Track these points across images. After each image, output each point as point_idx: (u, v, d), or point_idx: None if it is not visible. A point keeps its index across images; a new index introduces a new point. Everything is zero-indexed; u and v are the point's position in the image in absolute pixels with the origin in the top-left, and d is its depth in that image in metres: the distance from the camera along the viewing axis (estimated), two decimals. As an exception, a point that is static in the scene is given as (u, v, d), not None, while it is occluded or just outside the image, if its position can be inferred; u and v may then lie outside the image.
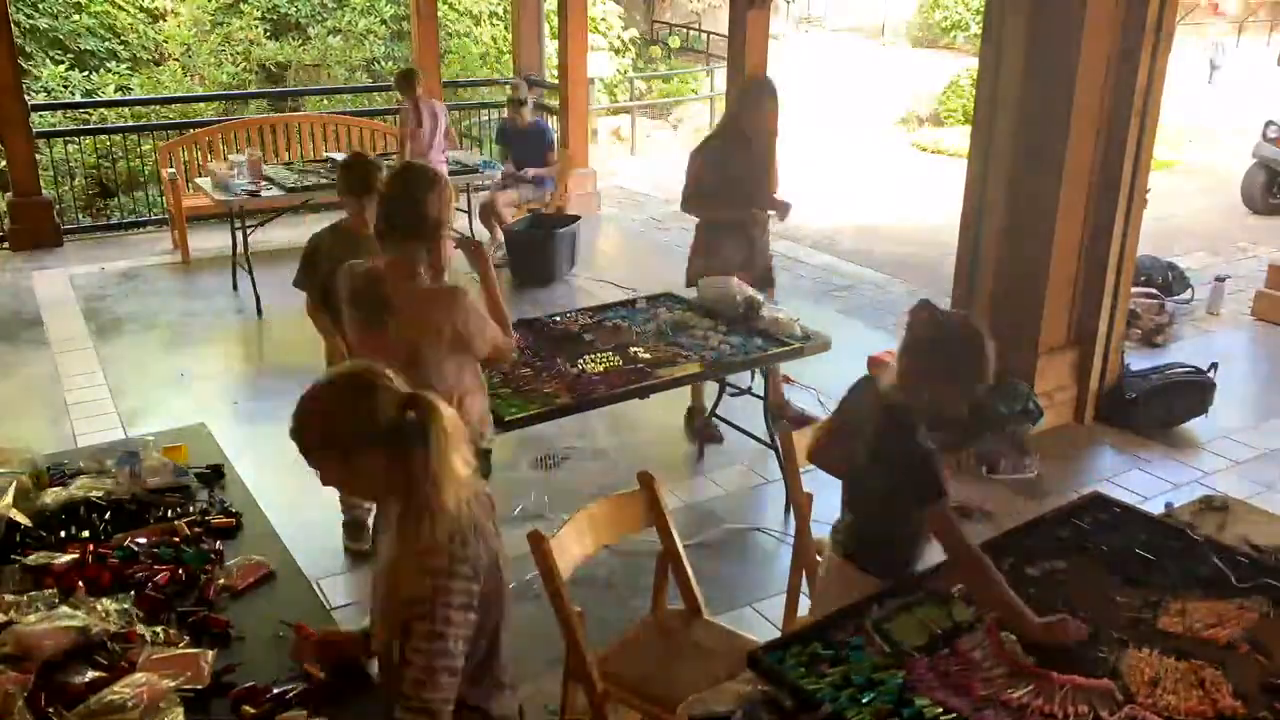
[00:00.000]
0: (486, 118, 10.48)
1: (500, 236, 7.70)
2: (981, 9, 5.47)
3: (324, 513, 4.32)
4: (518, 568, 2.73)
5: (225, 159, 7.54)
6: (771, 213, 4.94)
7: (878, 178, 11.89)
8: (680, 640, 2.89)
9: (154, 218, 9.12)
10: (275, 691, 2.04)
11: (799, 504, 3.16)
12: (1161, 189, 6.59)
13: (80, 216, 9.45)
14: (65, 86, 12.06)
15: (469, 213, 8.06)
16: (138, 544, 2.52)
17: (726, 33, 7.21)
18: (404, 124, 7.62)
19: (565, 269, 7.51)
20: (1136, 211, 5.11)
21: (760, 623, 3.67)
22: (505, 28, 14.00)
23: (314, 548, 3.84)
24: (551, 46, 11.07)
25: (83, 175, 10.13)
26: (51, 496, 2.70)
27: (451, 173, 7.55)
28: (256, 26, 13.54)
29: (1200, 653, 2.17)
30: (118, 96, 12.12)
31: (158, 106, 10.95)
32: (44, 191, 8.43)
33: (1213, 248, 8.75)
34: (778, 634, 3.36)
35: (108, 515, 2.67)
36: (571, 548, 2.73)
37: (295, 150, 9.16)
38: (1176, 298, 7.00)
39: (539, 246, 7.45)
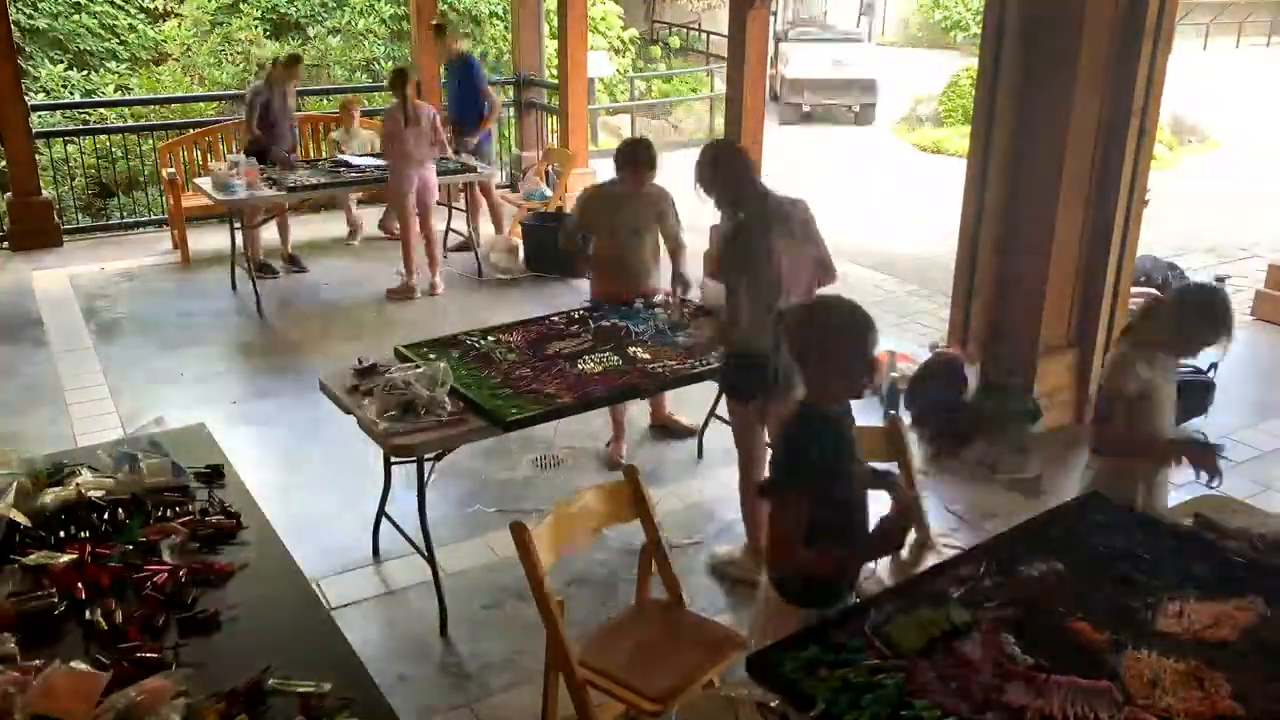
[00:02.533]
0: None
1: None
2: (981, 9, 5.47)
3: (323, 513, 4.34)
4: (513, 566, 2.74)
5: (225, 159, 7.54)
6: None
7: (877, 178, 11.88)
8: (661, 630, 2.92)
9: (154, 218, 9.12)
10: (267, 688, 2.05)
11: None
12: (1161, 189, 6.59)
13: (80, 216, 9.45)
14: (65, 86, 12.05)
15: (467, 212, 8.05)
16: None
17: (726, 33, 7.21)
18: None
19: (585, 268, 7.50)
20: (1136, 211, 5.11)
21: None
22: (505, 28, 13.99)
23: (314, 548, 3.84)
24: (552, 46, 11.07)
25: (83, 175, 10.13)
26: (51, 496, 2.70)
27: (450, 172, 7.58)
28: (256, 26, 13.54)
29: (1199, 653, 2.17)
30: (117, 96, 12.11)
31: (158, 106, 10.93)
32: (44, 191, 8.43)
33: (1213, 248, 8.75)
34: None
35: (107, 515, 2.67)
36: (556, 539, 2.76)
37: (296, 151, 9.13)
38: (1176, 298, 6.99)
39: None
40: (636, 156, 4.57)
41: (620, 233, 4.66)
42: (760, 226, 3.62)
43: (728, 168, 3.72)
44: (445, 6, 14.11)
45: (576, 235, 4.83)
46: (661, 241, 4.76)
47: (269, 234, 7.65)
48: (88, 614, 2.27)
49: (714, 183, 3.72)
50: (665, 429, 5.18)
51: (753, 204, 3.68)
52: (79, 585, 2.35)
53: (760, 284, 3.57)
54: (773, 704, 2.10)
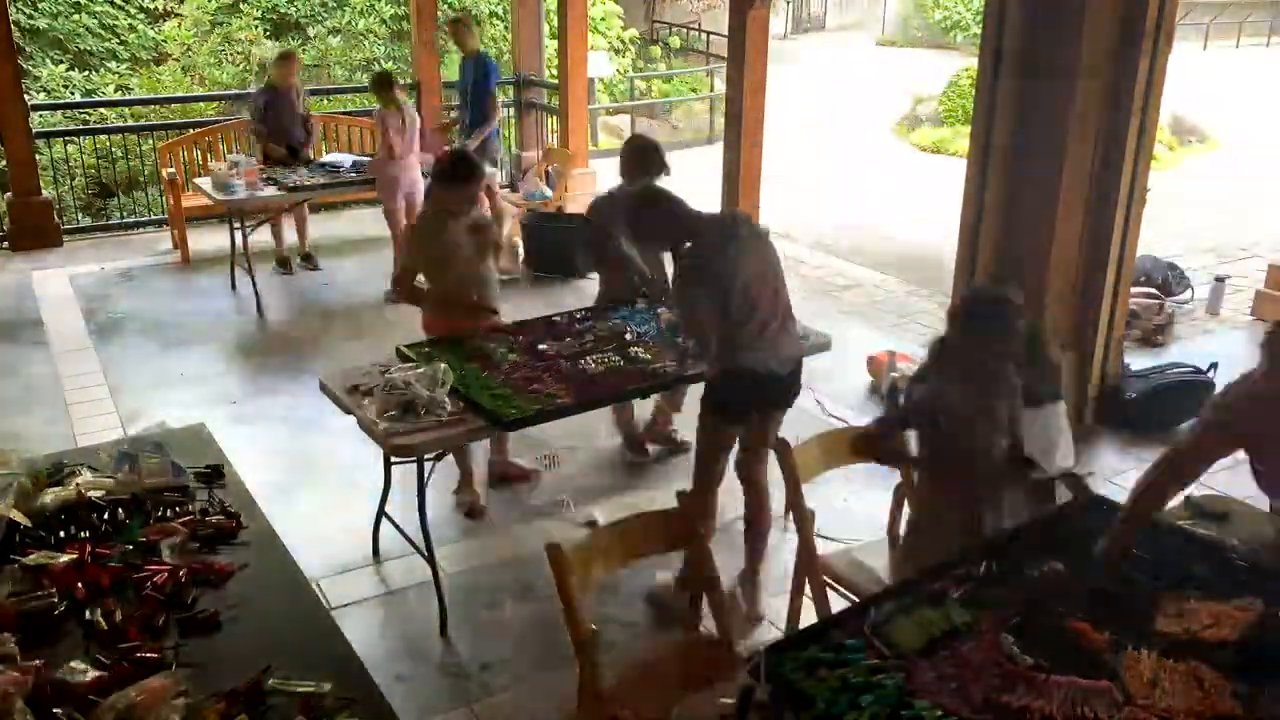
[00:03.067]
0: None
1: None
2: (981, 9, 5.47)
3: (323, 512, 4.34)
4: (528, 566, 2.71)
5: (225, 159, 7.54)
6: None
7: (877, 178, 11.88)
8: (707, 672, 2.70)
9: (154, 218, 9.12)
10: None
11: (801, 516, 3.16)
12: (1161, 189, 6.59)
13: (80, 216, 9.45)
14: (65, 86, 12.05)
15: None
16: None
17: (726, 33, 7.20)
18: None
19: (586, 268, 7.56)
20: (1136, 211, 5.11)
21: (762, 624, 3.67)
22: (505, 28, 13.99)
23: (314, 548, 3.84)
24: (552, 46, 11.06)
25: (83, 175, 10.12)
26: (51, 496, 2.70)
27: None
28: (256, 26, 13.53)
29: (1199, 653, 2.17)
30: (118, 96, 12.10)
31: (158, 106, 10.93)
32: (44, 191, 8.43)
33: (1213, 248, 8.75)
34: (780, 636, 3.37)
35: (107, 515, 2.67)
36: (594, 565, 2.65)
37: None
38: (1176, 298, 7.01)
39: (560, 243, 7.52)
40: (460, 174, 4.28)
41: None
42: (706, 254, 3.43)
43: (655, 212, 3.51)
44: (445, 6, 14.12)
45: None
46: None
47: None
48: (88, 614, 2.27)
49: (648, 234, 3.60)
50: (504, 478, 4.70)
51: (695, 232, 3.48)
52: (79, 585, 2.35)
53: (729, 305, 3.40)
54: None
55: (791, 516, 3.22)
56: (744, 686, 2.12)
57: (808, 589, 3.18)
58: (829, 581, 3.12)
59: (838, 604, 3.04)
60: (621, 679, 2.67)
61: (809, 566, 3.15)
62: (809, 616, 3.14)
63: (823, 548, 3.27)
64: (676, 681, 2.70)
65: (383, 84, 6.95)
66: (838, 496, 4.37)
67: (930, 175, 11.92)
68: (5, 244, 8.17)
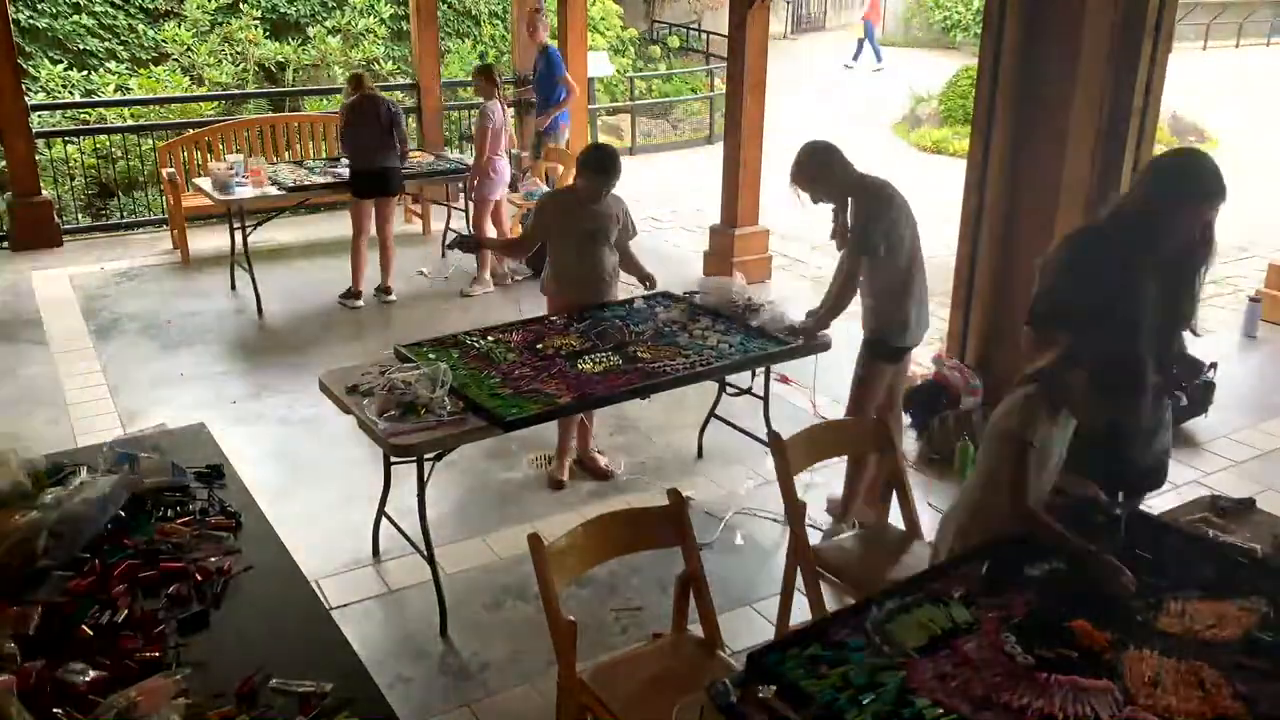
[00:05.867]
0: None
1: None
2: (981, 9, 5.47)
3: (324, 512, 4.34)
4: (528, 566, 2.69)
5: (224, 159, 7.54)
6: None
7: (877, 178, 11.87)
8: (685, 671, 2.68)
9: (154, 218, 9.12)
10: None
11: (793, 508, 3.16)
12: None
13: (80, 216, 9.45)
14: (65, 86, 12.05)
15: (466, 213, 8.06)
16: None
17: (726, 33, 7.21)
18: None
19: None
20: (1136, 212, 5.10)
21: (760, 623, 3.67)
22: (505, 28, 13.99)
23: (314, 548, 3.85)
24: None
25: (83, 175, 10.13)
26: (51, 496, 2.70)
27: (447, 172, 7.61)
28: (256, 26, 13.53)
29: (1200, 654, 2.17)
30: (117, 96, 12.10)
31: (157, 106, 10.94)
32: (44, 191, 8.43)
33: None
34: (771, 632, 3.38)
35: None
36: (576, 558, 2.67)
37: (295, 151, 9.17)
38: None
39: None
40: (604, 166, 4.36)
41: (582, 241, 4.47)
42: (893, 205, 4.22)
43: (837, 163, 4.21)
44: (445, 6, 14.11)
45: (536, 243, 4.86)
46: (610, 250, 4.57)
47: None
48: (89, 613, 2.27)
49: (827, 181, 4.20)
50: (583, 466, 4.78)
51: (867, 188, 4.20)
52: (82, 585, 2.35)
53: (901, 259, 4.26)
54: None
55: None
56: (716, 686, 2.09)
57: (800, 582, 3.19)
58: (822, 571, 3.13)
59: (829, 595, 3.10)
60: (602, 673, 2.67)
61: (801, 556, 3.15)
62: (800, 607, 3.16)
63: (814, 538, 3.29)
64: (660, 681, 2.67)
65: (486, 75, 7.01)
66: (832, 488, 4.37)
67: (930, 175, 11.91)
68: (5, 244, 8.17)
